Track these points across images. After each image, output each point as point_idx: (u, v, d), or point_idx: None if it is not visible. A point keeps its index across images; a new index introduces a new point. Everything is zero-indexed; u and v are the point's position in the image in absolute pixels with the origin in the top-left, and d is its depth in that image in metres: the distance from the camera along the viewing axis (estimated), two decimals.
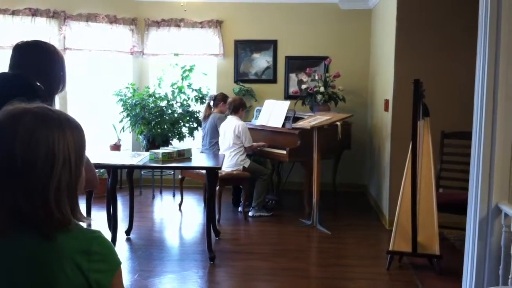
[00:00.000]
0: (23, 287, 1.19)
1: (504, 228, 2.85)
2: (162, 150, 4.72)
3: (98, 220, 5.29)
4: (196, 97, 6.93)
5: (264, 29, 7.26)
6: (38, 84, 2.32)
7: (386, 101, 5.67)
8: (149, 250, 4.77)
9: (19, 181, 1.17)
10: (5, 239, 1.19)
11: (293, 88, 7.24)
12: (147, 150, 6.06)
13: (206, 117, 6.30)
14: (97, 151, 5.13)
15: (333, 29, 7.18)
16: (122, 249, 4.74)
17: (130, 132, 7.09)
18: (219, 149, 5.98)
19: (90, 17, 6.83)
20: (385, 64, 5.82)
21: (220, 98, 6.29)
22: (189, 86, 6.92)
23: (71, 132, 1.23)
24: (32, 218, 1.18)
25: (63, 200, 1.21)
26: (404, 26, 5.26)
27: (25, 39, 2.52)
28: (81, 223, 1.27)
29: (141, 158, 4.66)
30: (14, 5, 6.34)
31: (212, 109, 6.30)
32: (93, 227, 1.34)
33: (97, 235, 1.27)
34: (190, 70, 6.90)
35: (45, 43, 2.54)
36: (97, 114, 7.03)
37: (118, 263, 1.29)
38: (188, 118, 6.86)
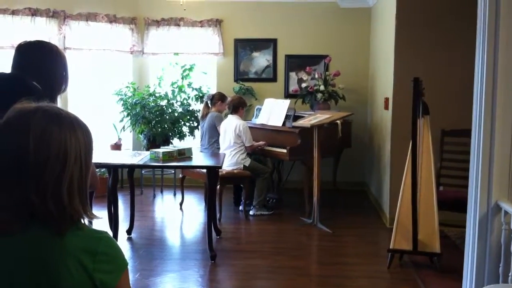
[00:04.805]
0: (26, 284, 1.19)
1: (504, 226, 2.86)
2: (162, 149, 4.72)
3: (99, 220, 5.28)
4: (196, 96, 6.94)
5: (264, 27, 7.26)
6: (35, 84, 2.32)
7: (386, 99, 5.68)
8: (150, 249, 4.78)
9: (32, 177, 1.18)
10: (11, 236, 1.19)
11: (293, 87, 7.24)
12: (147, 150, 6.05)
13: (204, 116, 6.31)
14: (97, 151, 5.12)
15: (333, 28, 7.19)
16: (123, 249, 4.64)
17: (130, 132, 7.09)
18: (218, 148, 5.99)
19: (90, 17, 6.83)
20: (385, 63, 5.83)
21: (217, 97, 6.30)
22: (189, 85, 6.92)
23: (81, 131, 1.26)
24: (44, 214, 1.19)
25: (75, 196, 1.23)
26: (404, 24, 5.26)
27: (26, 39, 2.52)
28: (88, 222, 1.28)
29: (142, 157, 4.66)
30: (13, 5, 6.34)
31: (210, 108, 6.31)
32: (94, 227, 1.34)
33: (104, 235, 1.28)
34: (190, 69, 6.91)
35: (47, 43, 2.55)
36: (98, 113, 7.02)
37: (124, 264, 1.30)
38: (188, 117, 6.87)
